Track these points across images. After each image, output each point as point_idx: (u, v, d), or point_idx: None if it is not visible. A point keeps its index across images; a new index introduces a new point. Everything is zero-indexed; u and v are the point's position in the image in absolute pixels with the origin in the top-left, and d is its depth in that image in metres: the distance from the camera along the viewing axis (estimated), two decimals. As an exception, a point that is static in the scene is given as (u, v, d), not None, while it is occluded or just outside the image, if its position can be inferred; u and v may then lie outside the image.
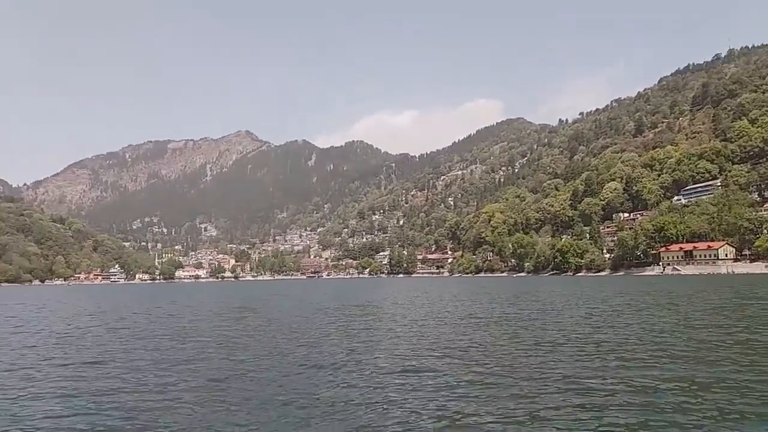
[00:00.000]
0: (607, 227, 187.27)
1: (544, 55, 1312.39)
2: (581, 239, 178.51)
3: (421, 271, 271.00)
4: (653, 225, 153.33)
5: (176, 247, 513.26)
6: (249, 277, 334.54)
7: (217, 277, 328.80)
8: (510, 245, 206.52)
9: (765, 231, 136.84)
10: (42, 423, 11.55)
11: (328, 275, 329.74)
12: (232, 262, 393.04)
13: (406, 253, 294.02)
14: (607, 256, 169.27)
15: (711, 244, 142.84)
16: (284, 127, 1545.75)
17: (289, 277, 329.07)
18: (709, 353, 17.95)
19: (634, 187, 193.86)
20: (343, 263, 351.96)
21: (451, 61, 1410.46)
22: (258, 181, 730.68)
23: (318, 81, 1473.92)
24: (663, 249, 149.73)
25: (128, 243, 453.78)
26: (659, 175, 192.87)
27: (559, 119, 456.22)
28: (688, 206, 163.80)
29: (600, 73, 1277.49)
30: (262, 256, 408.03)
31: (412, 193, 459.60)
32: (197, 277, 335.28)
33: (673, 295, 51.37)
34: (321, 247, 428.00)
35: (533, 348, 20.02)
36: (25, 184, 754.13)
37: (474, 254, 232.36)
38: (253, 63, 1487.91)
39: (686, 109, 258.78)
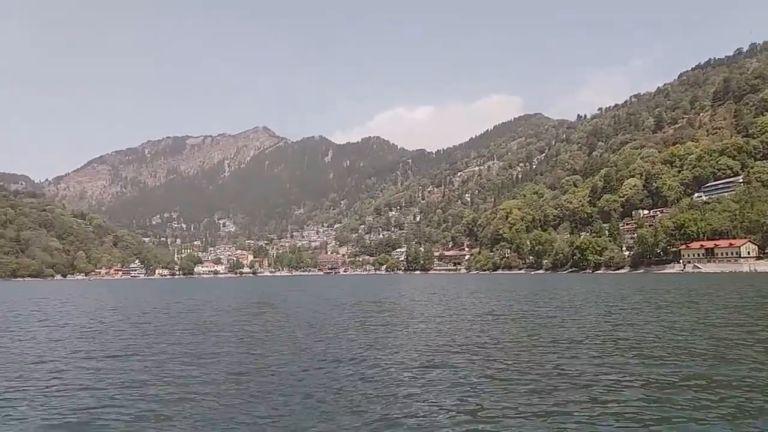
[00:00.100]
0: (627, 224, 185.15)
1: (562, 51, 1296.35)
2: (600, 236, 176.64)
3: (437, 267, 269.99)
4: (673, 222, 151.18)
5: (195, 242, 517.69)
6: (267, 273, 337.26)
7: (236, 273, 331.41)
8: (528, 242, 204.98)
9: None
10: (72, 414, 11.91)
11: (344, 271, 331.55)
12: (250, 257, 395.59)
13: (422, 249, 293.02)
14: (627, 253, 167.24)
15: (733, 241, 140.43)
16: (301, 123, 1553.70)
17: (307, 273, 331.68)
18: (728, 351, 17.86)
19: (653, 184, 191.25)
20: (360, 259, 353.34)
21: (467, 57, 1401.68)
22: (275, 177, 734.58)
23: (334, 77, 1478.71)
24: (684, 247, 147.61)
25: (148, 238, 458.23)
26: (680, 172, 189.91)
27: (578, 115, 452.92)
28: (709, 203, 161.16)
29: (619, 68, 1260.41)
30: (280, 252, 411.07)
31: (429, 189, 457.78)
32: (216, 272, 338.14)
33: (693, 293, 50.85)
34: (338, 243, 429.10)
35: (551, 345, 20.06)
36: (46, 180, 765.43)
37: (491, 251, 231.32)
38: (270, 60, 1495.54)
39: (707, 104, 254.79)
